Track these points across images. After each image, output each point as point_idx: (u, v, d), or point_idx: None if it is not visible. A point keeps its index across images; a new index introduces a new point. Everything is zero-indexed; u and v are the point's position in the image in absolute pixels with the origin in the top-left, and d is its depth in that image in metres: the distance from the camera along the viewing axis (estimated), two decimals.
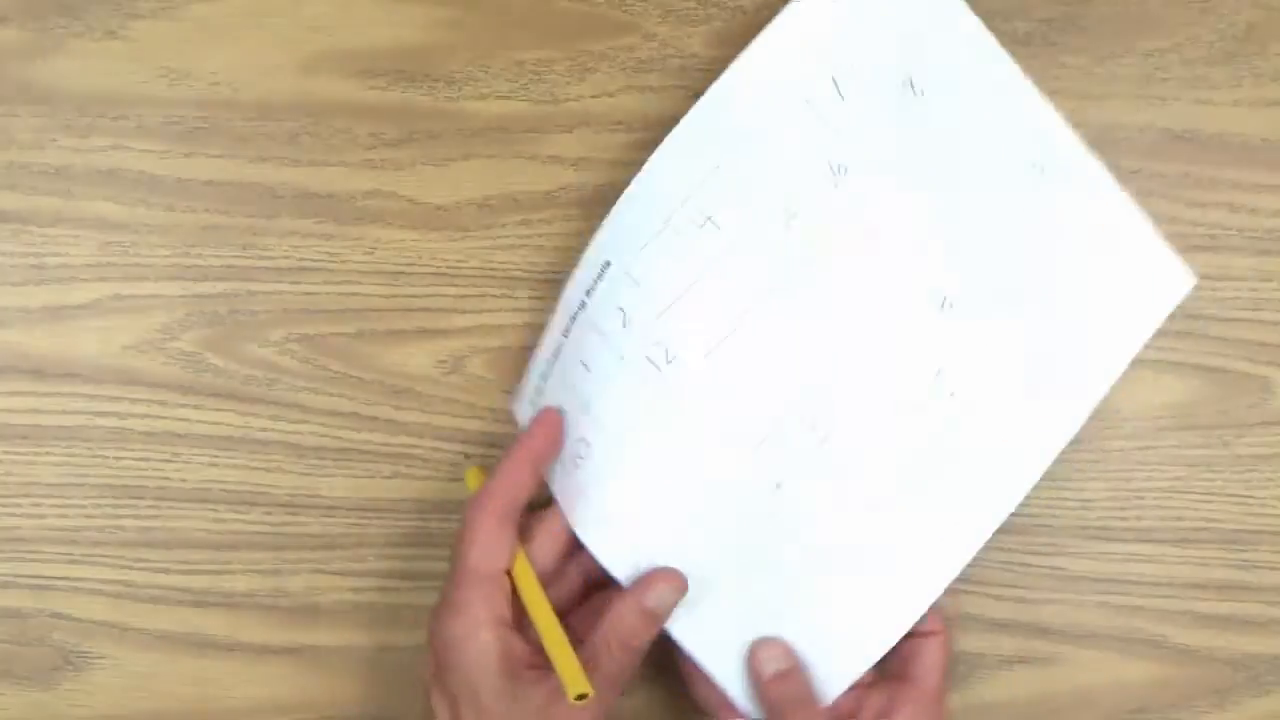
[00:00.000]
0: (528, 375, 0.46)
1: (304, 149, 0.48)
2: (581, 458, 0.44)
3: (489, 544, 0.42)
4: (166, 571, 0.47)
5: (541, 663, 0.42)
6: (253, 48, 0.49)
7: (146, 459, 0.48)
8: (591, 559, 0.44)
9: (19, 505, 0.47)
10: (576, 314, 0.45)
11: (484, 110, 0.49)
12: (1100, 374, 0.45)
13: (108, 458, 0.48)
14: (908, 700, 0.44)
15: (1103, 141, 0.50)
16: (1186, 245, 0.50)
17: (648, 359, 0.44)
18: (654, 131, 0.49)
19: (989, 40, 0.44)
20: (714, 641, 0.44)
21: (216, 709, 0.47)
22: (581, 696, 0.40)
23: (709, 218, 0.44)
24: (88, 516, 0.47)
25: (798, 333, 0.44)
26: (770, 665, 0.43)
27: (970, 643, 0.49)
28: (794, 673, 0.44)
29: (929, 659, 0.44)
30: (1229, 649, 0.44)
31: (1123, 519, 0.48)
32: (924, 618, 0.44)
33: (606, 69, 0.49)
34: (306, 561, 0.48)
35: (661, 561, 0.44)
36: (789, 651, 0.44)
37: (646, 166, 0.44)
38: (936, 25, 0.44)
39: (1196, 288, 0.49)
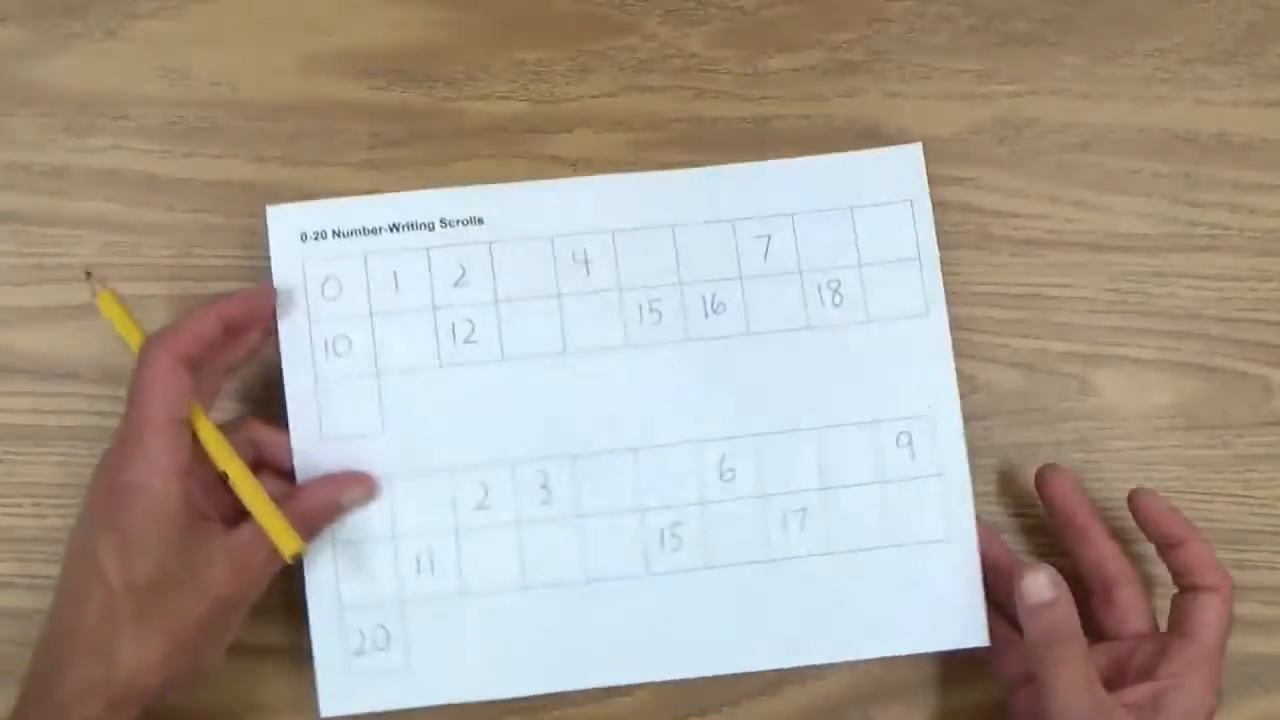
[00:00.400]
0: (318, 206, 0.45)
1: (304, 149, 0.48)
2: (338, 354, 0.44)
3: (171, 387, 0.40)
4: None
5: (214, 517, 0.41)
6: (253, 48, 0.49)
7: None
8: (260, 433, 0.44)
9: (19, 505, 0.47)
10: (416, 224, 0.45)
11: (484, 110, 0.49)
12: (831, 646, 0.44)
13: None
14: (1181, 653, 0.42)
15: (1103, 141, 0.50)
16: (1187, 245, 0.50)
17: (453, 324, 0.44)
18: (654, 131, 0.49)
19: (939, 293, 0.46)
20: (333, 588, 0.44)
21: (216, 709, 0.47)
22: (296, 556, 0.41)
23: (587, 259, 0.45)
24: None
25: (604, 383, 0.45)
26: (1036, 594, 0.42)
27: None
28: (1060, 602, 0.42)
29: (1207, 614, 0.43)
30: (1229, 649, 0.44)
31: (1123, 519, 0.48)
32: (1206, 572, 0.43)
33: (606, 69, 0.49)
34: None
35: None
36: (1057, 580, 0.42)
37: (604, 181, 0.46)
38: (901, 259, 0.46)
39: (1196, 288, 0.50)
